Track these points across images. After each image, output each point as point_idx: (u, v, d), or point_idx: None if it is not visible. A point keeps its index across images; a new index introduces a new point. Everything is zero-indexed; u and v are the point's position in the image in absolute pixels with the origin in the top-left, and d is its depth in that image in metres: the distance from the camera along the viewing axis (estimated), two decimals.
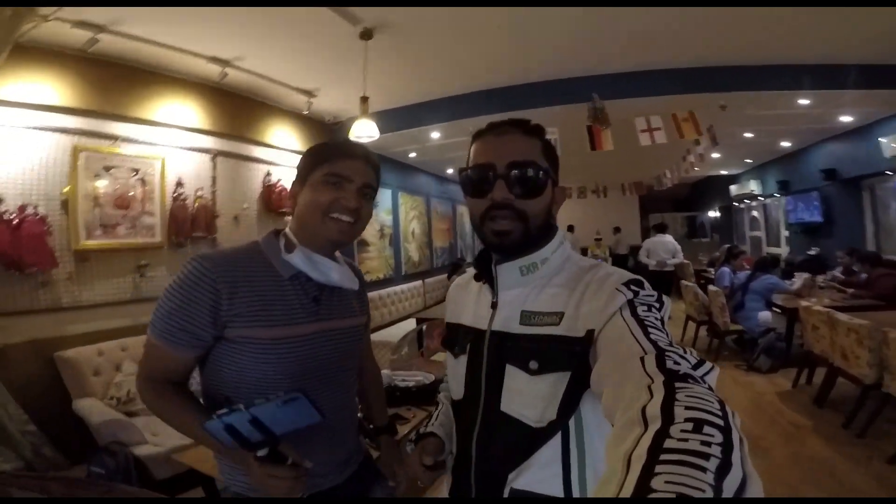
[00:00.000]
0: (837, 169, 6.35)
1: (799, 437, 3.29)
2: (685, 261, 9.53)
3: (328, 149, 1.06)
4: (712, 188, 11.59)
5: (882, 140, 5.02)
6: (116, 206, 3.47)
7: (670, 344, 0.61)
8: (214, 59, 3.74)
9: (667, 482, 0.31)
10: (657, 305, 0.72)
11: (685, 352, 0.57)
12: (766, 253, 8.86)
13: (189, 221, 3.88)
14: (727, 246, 7.36)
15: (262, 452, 0.85)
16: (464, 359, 0.90)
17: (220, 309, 0.93)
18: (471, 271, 0.98)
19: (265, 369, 0.96)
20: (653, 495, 0.31)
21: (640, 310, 0.70)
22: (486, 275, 0.90)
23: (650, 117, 4.01)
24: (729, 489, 0.31)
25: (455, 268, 6.98)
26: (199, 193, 4.01)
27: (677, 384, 0.46)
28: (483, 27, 3.45)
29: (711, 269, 7.79)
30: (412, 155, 6.75)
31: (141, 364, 1.01)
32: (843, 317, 3.44)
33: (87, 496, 1.48)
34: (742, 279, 5.38)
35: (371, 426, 1.32)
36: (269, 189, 4.67)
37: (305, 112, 4.87)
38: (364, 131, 3.67)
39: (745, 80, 4.15)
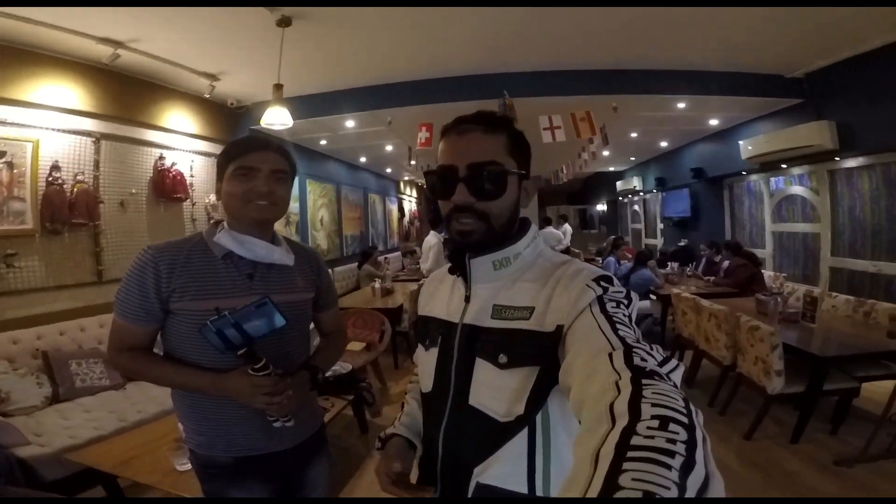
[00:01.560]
0: (704, 168, 7.03)
1: None
2: (575, 250, 10.42)
3: (235, 146, 1.21)
4: (601, 183, 12.49)
5: (741, 143, 5.59)
6: None
7: (637, 340, 0.62)
8: (106, 41, 3.39)
9: (634, 479, 0.33)
10: (625, 302, 0.74)
11: (652, 349, 0.58)
12: (644, 245, 9.88)
13: (67, 207, 3.50)
14: (612, 237, 7.98)
15: (241, 351, 1.05)
16: (434, 351, 0.91)
17: (160, 286, 1.12)
18: (446, 266, 0.97)
19: (200, 337, 1.05)
20: (620, 493, 0.32)
21: (609, 306, 0.71)
22: (459, 268, 0.90)
23: (552, 116, 4.25)
24: (692, 487, 0.33)
25: (366, 256, 6.96)
26: (80, 178, 3.62)
27: (644, 381, 0.48)
28: (401, 22, 3.46)
29: (600, 258, 8.48)
30: (323, 142, 6.56)
31: (110, 341, 1.19)
32: (705, 303, 3.77)
33: None
34: (625, 271, 5.93)
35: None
36: (161, 173, 4.31)
37: (207, 95, 4.54)
38: (277, 118, 3.54)
39: (635, 83, 4.56)
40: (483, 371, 0.81)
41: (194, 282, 1.14)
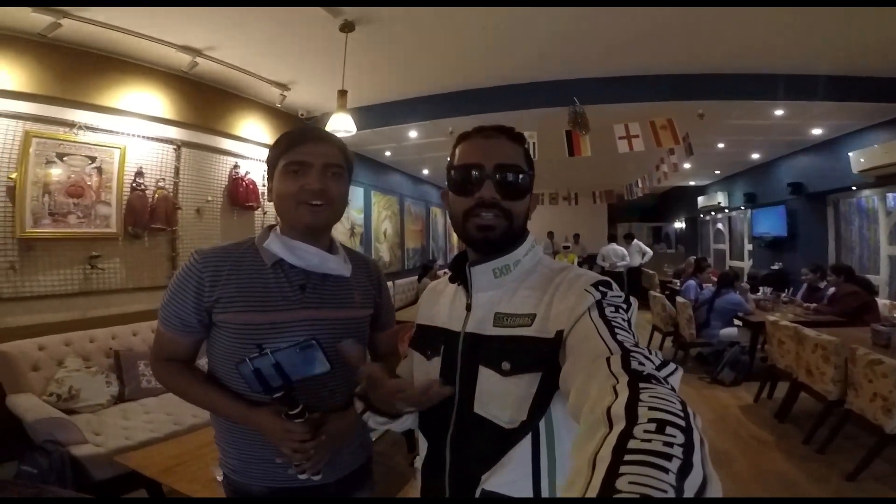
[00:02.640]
0: (804, 183, 6.40)
1: (761, 451, 3.31)
2: (649, 271, 9.79)
3: (285, 138, 1.09)
4: (680, 199, 11.78)
5: (850, 154, 5.03)
6: (68, 194, 3.28)
7: (636, 345, 0.62)
8: (185, 48, 3.56)
9: (630, 483, 0.32)
10: (624, 307, 0.74)
11: (650, 353, 0.58)
12: (728, 266, 9.08)
13: (148, 212, 3.68)
14: (694, 258, 7.45)
15: (277, 394, 0.95)
16: (437, 361, 0.90)
17: (202, 295, 1.03)
18: (447, 275, 0.99)
19: (243, 354, 0.96)
20: (617, 496, 0.32)
21: (608, 311, 0.71)
22: (460, 277, 0.91)
23: (629, 124, 3.99)
24: (690, 490, 0.32)
25: (426, 269, 6.89)
26: (161, 184, 3.80)
27: (641, 385, 0.48)
28: (466, 26, 3.38)
29: (677, 281, 7.90)
30: (387, 154, 6.62)
31: (152, 348, 1.14)
32: (810, 332, 3.43)
33: (9, 497, 1.34)
34: (707, 295, 5.45)
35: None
36: (235, 182, 4.46)
37: (278, 105, 4.68)
38: (341, 125, 3.54)
39: (724, 88, 4.17)
40: (486, 379, 0.81)
41: (240, 292, 1.04)
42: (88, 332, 3.20)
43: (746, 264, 8.68)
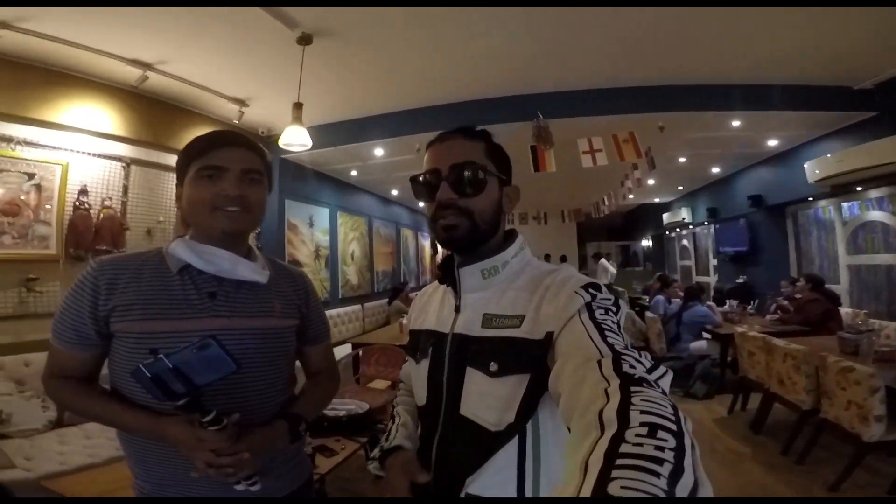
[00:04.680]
0: (763, 195, 6.47)
1: (739, 464, 3.26)
2: (619, 288, 9.92)
3: (199, 142, 1.01)
4: (645, 217, 12.01)
5: (806, 165, 5.08)
6: (2, 212, 3.07)
7: (626, 347, 0.62)
8: (135, 62, 3.42)
9: (622, 487, 0.33)
10: (614, 309, 0.74)
11: (640, 356, 0.58)
12: (695, 282, 9.24)
13: (92, 233, 3.45)
14: (659, 274, 7.58)
15: (181, 402, 0.85)
16: (426, 363, 0.90)
17: (98, 305, 0.94)
18: (435, 281, 1.01)
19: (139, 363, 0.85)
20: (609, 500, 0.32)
21: (598, 313, 0.71)
22: (449, 278, 0.91)
23: (592, 138, 4.00)
24: (681, 494, 0.33)
25: (396, 292, 6.74)
26: (107, 203, 3.58)
27: (633, 388, 0.48)
28: (428, 41, 3.36)
29: (646, 297, 7.99)
30: (353, 173, 6.51)
31: (45, 365, 1.01)
32: (779, 342, 3.42)
33: None
34: (675, 309, 5.50)
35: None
36: None
37: (236, 122, 4.52)
38: (295, 139, 3.42)
39: (682, 99, 4.23)
40: (474, 380, 0.81)
41: (140, 299, 0.95)
42: (23, 356, 2.98)
43: (712, 279, 8.83)
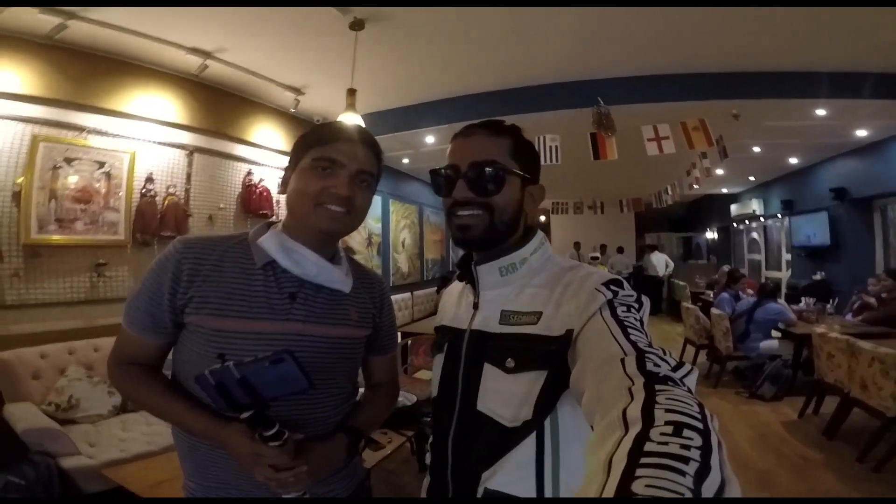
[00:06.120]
0: (847, 188, 6.08)
1: (809, 470, 3.09)
2: (680, 283, 9.42)
3: (321, 130, 0.96)
4: (710, 208, 11.38)
5: None
6: (76, 199, 3.23)
7: (650, 345, 0.61)
8: (194, 51, 3.50)
9: (647, 486, 0.31)
10: (636, 306, 0.73)
11: (665, 353, 0.57)
12: (764, 277, 8.69)
13: (157, 219, 3.61)
14: (727, 268, 7.18)
15: (246, 415, 0.82)
16: (440, 358, 0.91)
17: (177, 291, 0.89)
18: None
19: (208, 365, 0.81)
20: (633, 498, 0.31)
21: (620, 310, 0.70)
22: (467, 275, 0.91)
23: (658, 125, 3.76)
24: (708, 493, 0.32)
25: (445, 281, 6.71)
26: (171, 190, 3.73)
27: (657, 386, 0.46)
28: (482, 26, 3.25)
29: (710, 292, 7.58)
30: (405, 161, 6.51)
31: (112, 348, 0.97)
32: (866, 345, 3.21)
33: None
34: (744, 306, 5.17)
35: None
36: (248, 189, 4.39)
37: (292, 110, 4.61)
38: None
39: (760, 86, 3.92)
40: (491, 376, 0.81)
41: (219, 293, 0.90)
42: (93, 341, 3.12)
43: (784, 275, 8.24)
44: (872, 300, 4.82)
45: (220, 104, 4.19)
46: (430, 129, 4.88)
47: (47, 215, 3.05)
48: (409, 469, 3.01)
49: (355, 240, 5.82)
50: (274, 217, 4.56)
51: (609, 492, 0.33)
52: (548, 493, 0.75)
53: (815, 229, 6.88)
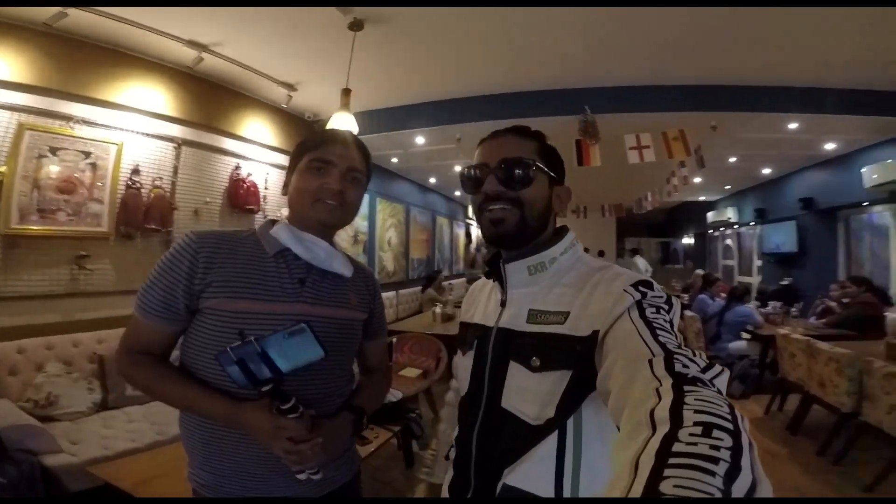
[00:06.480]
0: (815, 198, 6.33)
1: (775, 464, 3.24)
2: (658, 286, 9.64)
3: (314, 136, 1.08)
4: (689, 214, 11.68)
5: (864, 170, 5.00)
6: (59, 189, 3.15)
7: (679, 346, 0.60)
8: (191, 43, 3.47)
9: (675, 486, 0.31)
10: (666, 307, 0.72)
11: (694, 355, 0.56)
12: (737, 282, 8.97)
13: (142, 212, 3.55)
14: (702, 272, 7.41)
15: (266, 388, 0.87)
16: (471, 355, 0.92)
17: (195, 278, 0.95)
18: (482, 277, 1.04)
19: (228, 344, 0.88)
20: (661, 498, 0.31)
21: (649, 311, 0.69)
22: (496, 273, 0.92)
23: (640, 134, 3.89)
24: (738, 493, 0.31)
25: (430, 280, 6.77)
26: (157, 183, 3.69)
27: (686, 387, 0.46)
28: (478, 31, 3.31)
29: (685, 295, 7.80)
30: (394, 160, 6.53)
31: (122, 338, 1.01)
32: (824, 346, 3.42)
33: None
34: (716, 309, 5.40)
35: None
36: (236, 184, 4.35)
37: (284, 106, 4.59)
38: (343, 125, 3.43)
39: (739, 100, 4.08)
40: (516, 374, 0.82)
41: (237, 277, 0.97)
42: (72, 336, 3.04)
43: (755, 279, 8.56)
44: (834, 304, 5.08)
45: (211, 97, 4.15)
46: (420, 129, 4.91)
47: (29, 205, 2.98)
48: (397, 465, 3.05)
49: (341, 237, 5.83)
50: (261, 213, 4.57)
51: (636, 492, 0.33)
52: (566, 492, 0.75)
53: (784, 237, 7.15)
